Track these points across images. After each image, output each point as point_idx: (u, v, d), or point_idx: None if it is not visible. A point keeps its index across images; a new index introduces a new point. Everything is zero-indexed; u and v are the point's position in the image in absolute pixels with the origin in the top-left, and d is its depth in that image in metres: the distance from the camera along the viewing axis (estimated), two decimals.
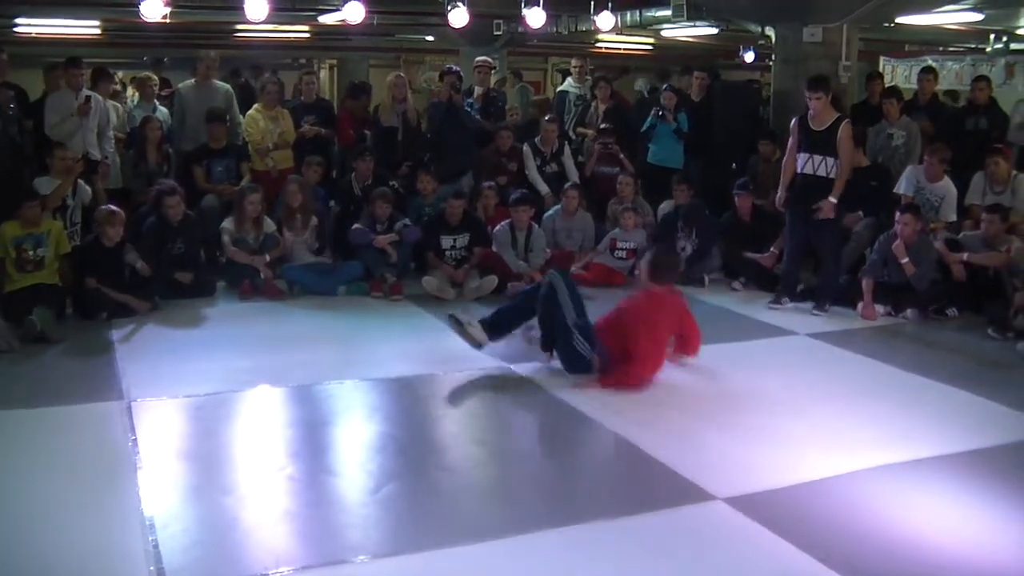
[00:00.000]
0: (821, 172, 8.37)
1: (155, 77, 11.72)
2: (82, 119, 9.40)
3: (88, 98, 9.50)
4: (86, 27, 15.74)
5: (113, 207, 8.36)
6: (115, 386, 6.37)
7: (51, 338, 7.31)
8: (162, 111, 11.06)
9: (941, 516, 4.73)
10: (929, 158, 9.34)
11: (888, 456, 5.38)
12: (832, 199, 8.34)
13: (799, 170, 8.53)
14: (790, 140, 8.69)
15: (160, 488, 4.85)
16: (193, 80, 10.90)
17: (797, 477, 5.09)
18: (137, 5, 9.57)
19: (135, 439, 5.47)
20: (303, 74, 11.92)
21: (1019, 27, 15.00)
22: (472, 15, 10.86)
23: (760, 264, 9.52)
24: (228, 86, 11.13)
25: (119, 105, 10.41)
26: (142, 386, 6.35)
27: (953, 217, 9.33)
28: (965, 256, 8.53)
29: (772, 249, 9.46)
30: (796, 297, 8.78)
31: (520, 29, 13.08)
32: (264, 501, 4.81)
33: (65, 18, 15.05)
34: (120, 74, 15.84)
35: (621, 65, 21.21)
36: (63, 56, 10.24)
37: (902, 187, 9.45)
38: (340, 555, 4.26)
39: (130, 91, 13.28)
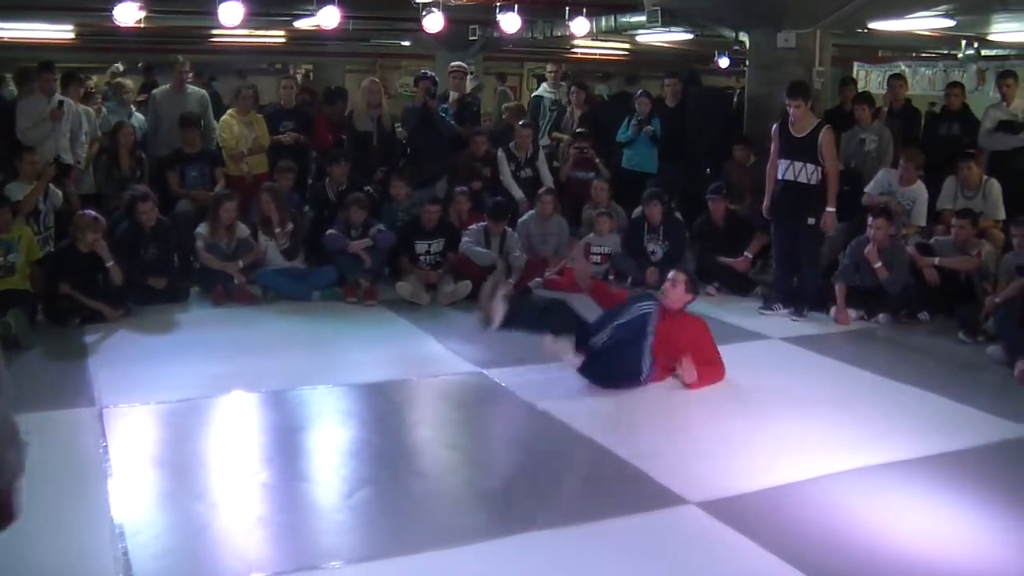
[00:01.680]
0: (802, 179, 8.41)
1: (129, 83, 11.65)
2: (55, 124, 9.34)
3: (61, 103, 9.44)
4: (60, 31, 15.65)
5: (95, 213, 8.30)
6: (87, 392, 6.33)
7: (22, 343, 7.26)
8: (138, 117, 11.01)
9: (913, 519, 4.75)
10: (905, 163, 9.40)
11: (860, 460, 5.41)
12: (830, 208, 8.38)
13: (780, 176, 8.56)
14: (772, 146, 8.72)
15: (131, 495, 4.82)
16: (167, 86, 10.87)
17: (770, 481, 5.11)
18: (111, 9, 9.52)
19: (106, 446, 5.43)
20: (281, 79, 11.87)
21: (990, 33, 15.12)
22: (447, 20, 10.87)
23: (734, 268, 9.56)
24: (203, 91, 11.10)
25: (90, 110, 10.35)
26: (114, 392, 6.32)
27: (924, 222, 9.39)
28: (937, 260, 8.59)
29: (746, 253, 9.51)
30: (790, 304, 8.80)
31: (495, 34, 13.11)
32: (237, 507, 4.79)
33: (39, 22, 14.95)
34: (95, 79, 15.76)
35: (597, 70, 21.27)
36: (36, 60, 10.17)
37: (872, 188, 9.50)
38: (313, 561, 4.24)
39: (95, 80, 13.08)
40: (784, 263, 8.85)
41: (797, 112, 8.43)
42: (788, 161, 8.49)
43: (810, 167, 8.39)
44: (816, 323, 8.53)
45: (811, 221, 8.45)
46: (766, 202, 8.81)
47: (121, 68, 12.74)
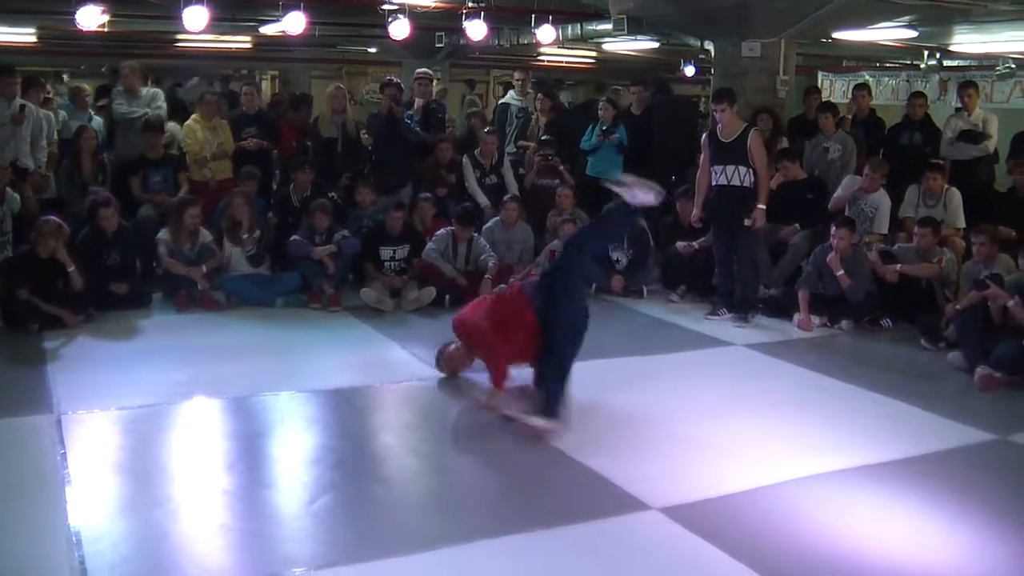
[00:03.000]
0: (735, 181, 8.51)
1: (88, 87, 11.56)
2: (15, 128, 9.25)
3: (23, 107, 9.35)
4: (22, 34, 15.50)
5: (59, 220, 8.20)
6: (45, 399, 6.26)
7: None
8: (97, 120, 10.92)
9: (874, 524, 4.79)
10: (869, 171, 9.48)
11: (822, 465, 5.45)
12: (761, 206, 8.46)
13: (714, 183, 8.65)
14: (702, 156, 8.80)
15: (89, 503, 4.77)
16: (120, 88, 10.79)
17: (731, 486, 5.13)
18: (74, 13, 9.43)
19: (64, 453, 5.37)
20: (243, 85, 11.82)
21: (952, 44, 15.28)
22: (414, 27, 10.85)
23: (685, 256, 9.65)
24: (156, 89, 11.02)
25: (51, 114, 10.25)
26: (74, 399, 6.25)
27: (886, 229, 9.48)
28: (899, 267, 8.67)
29: (697, 243, 9.54)
30: (734, 307, 8.85)
31: (462, 41, 13.09)
32: (197, 514, 4.75)
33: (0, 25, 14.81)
34: (67, 79, 15.67)
35: (562, 78, 21.33)
36: None
37: (840, 195, 9.61)
38: (274, 568, 4.22)
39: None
40: (725, 268, 8.90)
41: (723, 116, 8.54)
42: (721, 166, 8.60)
43: (742, 170, 8.50)
44: (779, 330, 8.58)
45: (746, 222, 8.52)
46: (696, 211, 8.90)
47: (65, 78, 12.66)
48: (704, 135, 8.83)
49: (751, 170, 8.47)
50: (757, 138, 8.55)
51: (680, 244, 9.76)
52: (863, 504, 5.00)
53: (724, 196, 8.59)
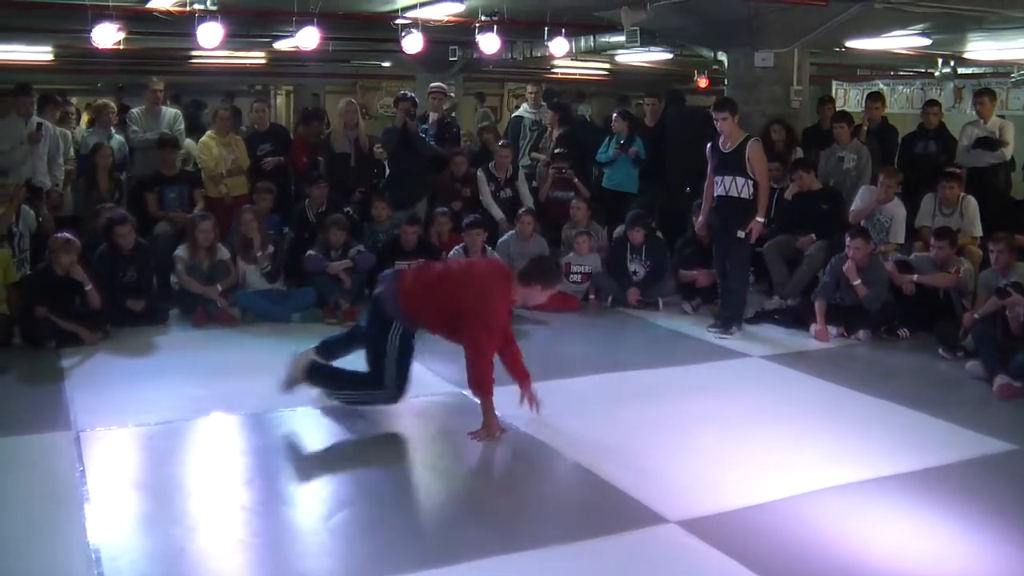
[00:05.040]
0: (733, 192, 8.45)
1: (112, 104, 11.64)
2: (32, 147, 9.31)
3: (39, 126, 9.42)
4: (38, 53, 15.61)
5: (69, 236, 8.26)
6: (63, 416, 6.28)
7: None
8: (117, 139, 10.98)
9: (894, 536, 4.75)
10: (886, 179, 9.44)
11: (841, 476, 5.41)
12: (759, 219, 8.40)
13: (716, 193, 8.61)
14: (708, 166, 8.77)
15: (108, 520, 4.78)
16: (142, 107, 10.88)
17: (750, 499, 5.11)
18: (90, 31, 9.49)
19: (83, 470, 5.38)
20: (254, 102, 11.89)
21: (966, 52, 15.25)
22: (427, 41, 10.86)
23: (698, 282, 9.58)
24: (176, 111, 11.11)
25: (68, 132, 10.32)
26: (91, 415, 6.27)
27: (902, 239, 9.44)
28: (916, 277, 8.63)
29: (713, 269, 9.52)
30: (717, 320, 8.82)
31: (475, 55, 13.11)
32: (215, 531, 4.76)
33: (17, 44, 14.91)
34: (75, 100, 15.73)
35: (576, 90, 21.33)
36: (14, 82, 10.14)
37: (856, 208, 9.57)
38: None
39: (84, 117, 13.15)
40: (726, 280, 8.86)
41: (724, 125, 8.48)
42: (720, 177, 8.54)
43: (740, 180, 8.42)
44: (796, 340, 8.55)
45: (740, 234, 8.45)
46: (701, 219, 8.86)
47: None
48: (709, 145, 8.80)
49: (750, 181, 8.41)
50: (756, 148, 8.45)
51: (684, 274, 9.72)
52: (882, 516, 4.97)
53: (722, 207, 8.56)
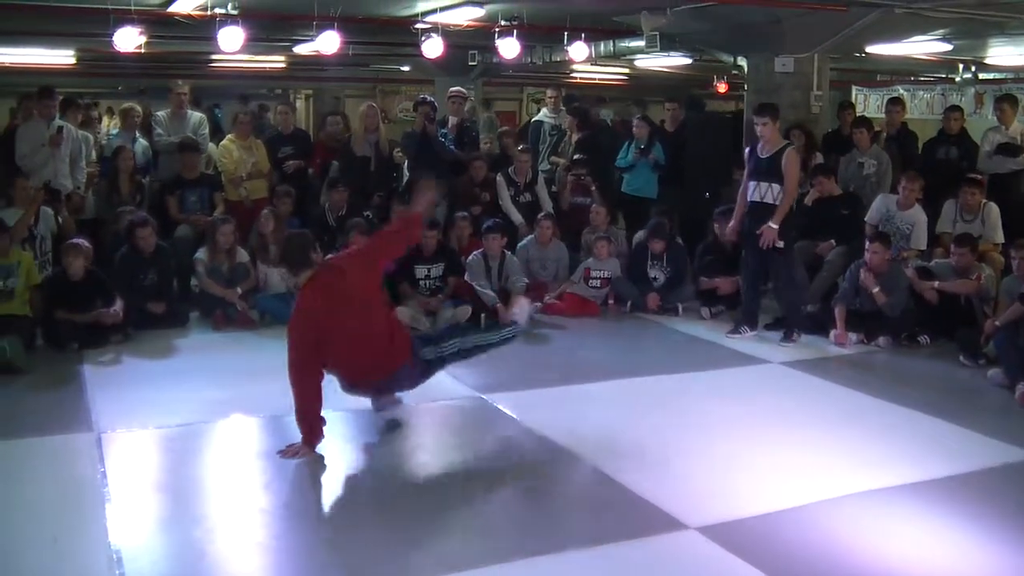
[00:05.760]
0: (768, 199, 8.39)
1: (138, 108, 11.71)
2: (53, 150, 9.36)
3: (60, 129, 9.47)
4: (60, 56, 15.69)
5: (76, 240, 8.31)
6: (85, 418, 6.32)
7: (20, 369, 7.25)
8: (142, 143, 11.03)
9: (915, 543, 4.74)
10: (908, 184, 9.39)
11: (861, 484, 5.39)
12: (772, 224, 8.33)
13: (749, 198, 8.57)
14: (745, 171, 8.73)
15: (129, 521, 4.80)
16: (167, 111, 10.94)
17: (770, 505, 5.09)
18: (111, 35, 9.55)
19: (104, 471, 5.41)
20: (279, 105, 11.94)
21: (987, 57, 15.18)
22: (447, 46, 10.88)
23: (720, 289, 9.55)
24: (201, 115, 11.16)
25: (90, 135, 10.38)
26: (112, 417, 6.31)
27: (924, 245, 9.39)
28: (936, 284, 8.58)
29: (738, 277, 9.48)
30: (756, 326, 8.79)
31: (495, 59, 13.13)
32: (234, 533, 4.78)
33: (39, 47, 15.00)
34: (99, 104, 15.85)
35: (596, 95, 21.35)
36: (37, 85, 10.20)
37: (871, 216, 9.51)
38: None
39: (106, 121, 13.24)
40: (751, 285, 8.82)
41: (764, 130, 8.42)
42: (755, 182, 8.50)
43: (775, 187, 8.35)
44: (816, 347, 8.51)
45: (779, 244, 8.38)
46: (733, 224, 8.82)
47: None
48: (747, 148, 8.74)
49: (784, 188, 8.37)
50: (793, 158, 8.36)
51: (704, 281, 9.67)
52: (903, 523, 4.95)
53: (755, 213, 8.51)
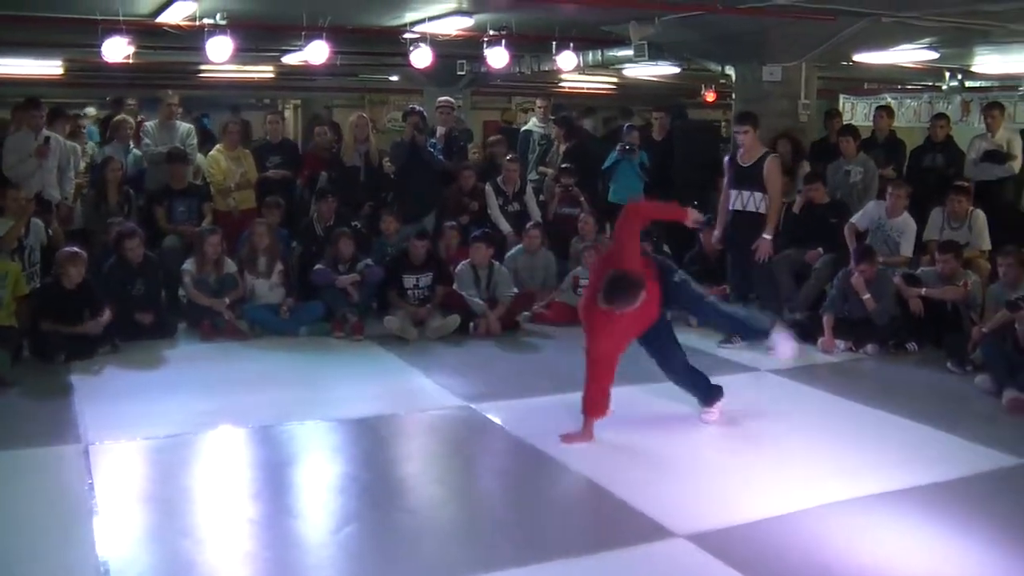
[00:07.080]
0: (750, 207, 8.45)
1: (131, 120, 11.69)
2: (40, 160, 9.34)
3: (47, 139, 9.45)
4: (48, 67, 15.66)
5: (76, 248, 8.30)
6: (72, 429, 6.30)
7: (7, 380, 7.22)
8: (135, 153, 11.01)
9: (903, 549, 4.74)
10: (895, 191, 9.41)
11: (849, 491, 5.40)
12: (766, 236, 8.36)
13: (730, 207, 8.60)
14: (724, 180, 8.76)
15: (117, 533, 4.78)
16: (156, 121, 10.93)
17: (759, 513, 5.09)
18: (99, 45, 9.53)
19: (92, 483, 5.39)
20: (268, 115, 11.94)
21: (973, 65, 15.24)
22: (435, 56, 10.89)
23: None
24: (190, 126, 11.15)
25: (78, 146, 10.36)
26: (100, 429, 6.28)
27: (911, 253, 9.42)
28: (923, 291, 8.62)
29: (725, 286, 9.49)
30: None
31: (483, 69, 13.14)
32: (224, 544, 4.76)
33: (27, 58, 14.96)
34: (93, 111, 15.77)
35: (584, 104, 21.39)
36: (24, 96, 10.18)
37: (861, 222, 9.51)
38: None
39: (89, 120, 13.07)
40: (739, 295, 8.84)
41: (745, 139, 8.47)
42: (736, 191, 8.53)
43: (757, 195, 8.42)
44: (804, 355, 8.51)
45: (752, 249, 8.41)
46: (717, 233, 8.84)
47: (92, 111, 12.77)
48: (726, 158, 8.79)
49: (766, 196, 8.40)
50: (774, 165, 8.43)
51: (710, 290, 9.61)
52: (891, 530, 4.95)
53: (738, 222, 8.55)
